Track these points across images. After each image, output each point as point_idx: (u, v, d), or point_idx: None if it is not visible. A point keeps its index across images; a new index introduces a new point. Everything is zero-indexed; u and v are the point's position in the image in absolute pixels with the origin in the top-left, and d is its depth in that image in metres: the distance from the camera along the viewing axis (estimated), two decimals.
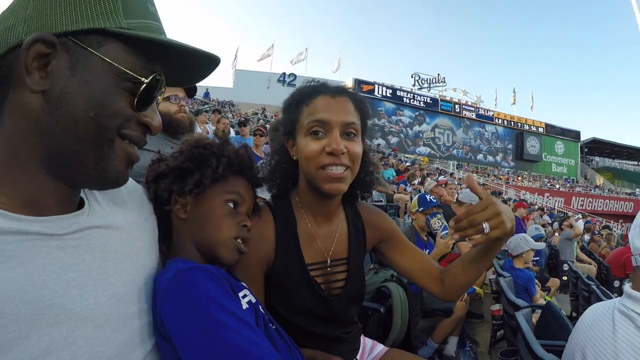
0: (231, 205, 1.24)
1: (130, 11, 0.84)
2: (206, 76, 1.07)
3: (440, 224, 3.82)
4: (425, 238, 4.15)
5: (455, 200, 5.95)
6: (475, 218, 1.23)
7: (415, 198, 4.35)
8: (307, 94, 1.41)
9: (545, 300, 4.57)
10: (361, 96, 1.50)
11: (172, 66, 0.96)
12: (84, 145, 0.82)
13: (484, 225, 1.22)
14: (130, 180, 1.16)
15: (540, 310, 3.24)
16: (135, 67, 0.86)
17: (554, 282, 6.83)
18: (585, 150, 61.11)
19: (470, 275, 1.51)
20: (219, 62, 1.00)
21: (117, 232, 0.98)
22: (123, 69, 0.83)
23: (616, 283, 8.44)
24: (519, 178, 41.11)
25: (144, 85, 0.87)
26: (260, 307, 1.22)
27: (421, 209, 4.10)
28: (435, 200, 4.15)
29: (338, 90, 1.41)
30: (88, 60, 0.80)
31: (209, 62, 0.99)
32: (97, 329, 0.84)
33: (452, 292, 1.58)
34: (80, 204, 0.95)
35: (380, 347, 1.76)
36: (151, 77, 0.88)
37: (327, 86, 1.43)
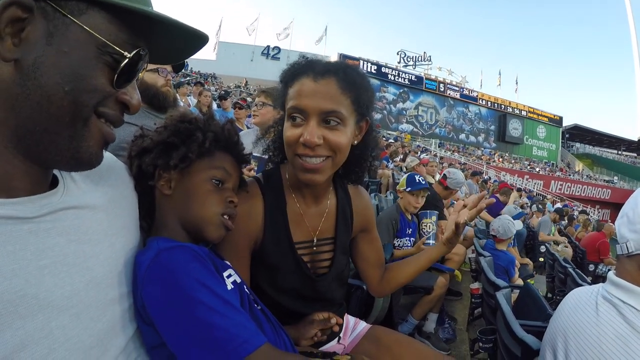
0: (217, 181, 1.21)
1: None
2: (191, 55, 1.02)
3: (432, 228, 3.54)
4: (409, 217, 4.12)
5: (437, 180, 5.92)
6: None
7: (404, 177, 4.24)
8: (291, 75, 1.34)
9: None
10: (355, 73, 1.33)
11: (156, 42, 0.90)
12: (56, 122, 0.76)
13: None
14: (109, 155, 1.10)
15: (518, 291, 3.30)
16: (118, 40, 0.79)
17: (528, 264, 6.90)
18: (567, 135, 61.84)
19: (408, 278, 1.70)
20: (207, 40, 0.94)
21: (94, 212, 0.93)
22: (105, 41, 0.77)
23: (591, 267, 8.72)
24: (500, 159, 41.49)
25: (126, 60, 0.80)
26: (245, 287, 1.20)
27: (409, 189, 4.02)
28: (424, 182, 4.07)
29: (323, 71, 1.27)
30: (67, 29, 0.73)
31: (195, 40, 0.94)
32: (74, 317, 0.80)
33: (386, 289, 1.74)
34: (54, 182, 0.89)
35: (362, 325, 1.77)
36: (134, 52, 0.82)
37: (313, 66, 1.31)
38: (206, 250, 1.14)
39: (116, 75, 0.80)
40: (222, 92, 12.58)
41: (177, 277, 0.97)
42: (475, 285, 4.01)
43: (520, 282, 4.56)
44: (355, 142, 1.41)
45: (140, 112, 2.35)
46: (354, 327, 1.75)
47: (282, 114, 1.40)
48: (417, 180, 4.04)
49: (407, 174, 4.27)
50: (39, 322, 0.73)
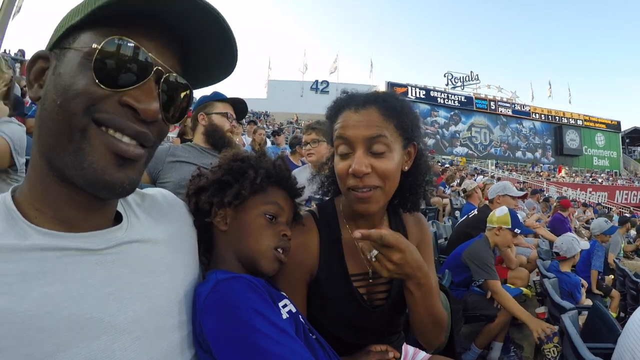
0: (270, 216, 1.26)
1: None
2: (227, 64, 1.01)
3: (555, 354, 3.08)
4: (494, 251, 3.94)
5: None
6: (375, 240, 1.19)
7: (504, 213, 3.95)
8: (334, 110, 1.41)
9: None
10: (396, 100, 1.37)
11: (183, 52, 0.93)
12: (59, 138, 0.80)
13: (372, 252, 1.23)
14: (170, 194, 1.21)
15: (586, 312, 3.16)
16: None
17: (614, 294, 5.74)
18: (627, 140, 58.08)
19: (417, 322, 1.42)
20: (234, 40, 0.94)
21: (156, 246, 1.01)
22: (89, 49, 0.80)
23: None
24: (559, 174, 39.74)
25: (97, 51, 0.79)
26: (300, 316, 1.23)
27: (517, 230, 3.82)
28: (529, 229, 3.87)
29: (364, 102, 1.33)
30: (65, 56, 0.83)
31: (224, 41, 0.94)
32: (135, 341, 0.86)
33: (417, 335, 1.51)
34: (118, 218, 0.98)
35: (422, 355, 1.73)
36: (104, 41, 0.80)
37: (354, 99, 1.37)
38: (262, 281, 1.18)
39: (93, 70, 0.79)
40: (276, 129, 12.83)
41: (234, 305, 1.02)
42: (541, 309, 3.87)
43: (588, 302, 4.34)
44: (406, 168, 1.42)
45: (200, 151, 2.55)
46: (414, 356, 1.72)
47: (333, 150, 1.44)
48: (522, 220, 3.89)
49: (508, 210, 3.98)
50: (103, 343, 0.80)
